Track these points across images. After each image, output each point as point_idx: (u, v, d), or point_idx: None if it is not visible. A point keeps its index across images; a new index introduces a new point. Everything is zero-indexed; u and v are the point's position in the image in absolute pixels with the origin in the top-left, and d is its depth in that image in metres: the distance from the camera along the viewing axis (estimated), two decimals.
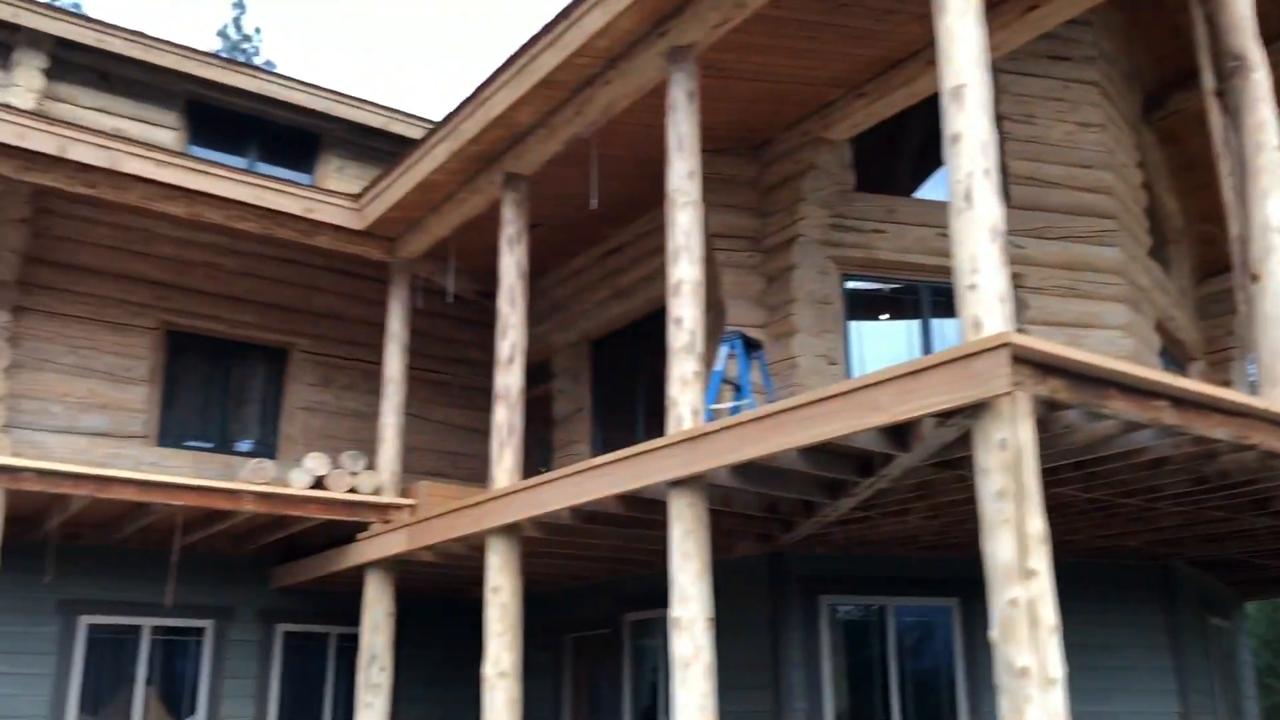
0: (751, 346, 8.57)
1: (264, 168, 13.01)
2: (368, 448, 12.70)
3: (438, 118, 13.83)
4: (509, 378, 8.65)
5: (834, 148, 9.95)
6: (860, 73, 9.13)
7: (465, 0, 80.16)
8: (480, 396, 13.77)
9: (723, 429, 6.28)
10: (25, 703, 10.26)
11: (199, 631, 11.39)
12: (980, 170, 5.19)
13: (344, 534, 10.73)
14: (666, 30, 7.36)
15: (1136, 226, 11.02)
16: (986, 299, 5.00)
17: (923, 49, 8.84)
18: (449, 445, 13.38)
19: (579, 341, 12.50)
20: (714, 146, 9.91)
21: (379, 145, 13.79)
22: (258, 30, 45.61)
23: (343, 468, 10.16)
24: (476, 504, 8.41)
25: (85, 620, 10.76)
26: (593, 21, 7.32)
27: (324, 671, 12.07)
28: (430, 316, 13.50)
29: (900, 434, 5.89)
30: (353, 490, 10.10)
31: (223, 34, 45.03)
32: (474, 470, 13.42)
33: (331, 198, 10.48)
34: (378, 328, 12.97)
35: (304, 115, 13.23)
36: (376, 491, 10.26)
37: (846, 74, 9.11)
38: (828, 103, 9.53)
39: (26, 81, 11.34)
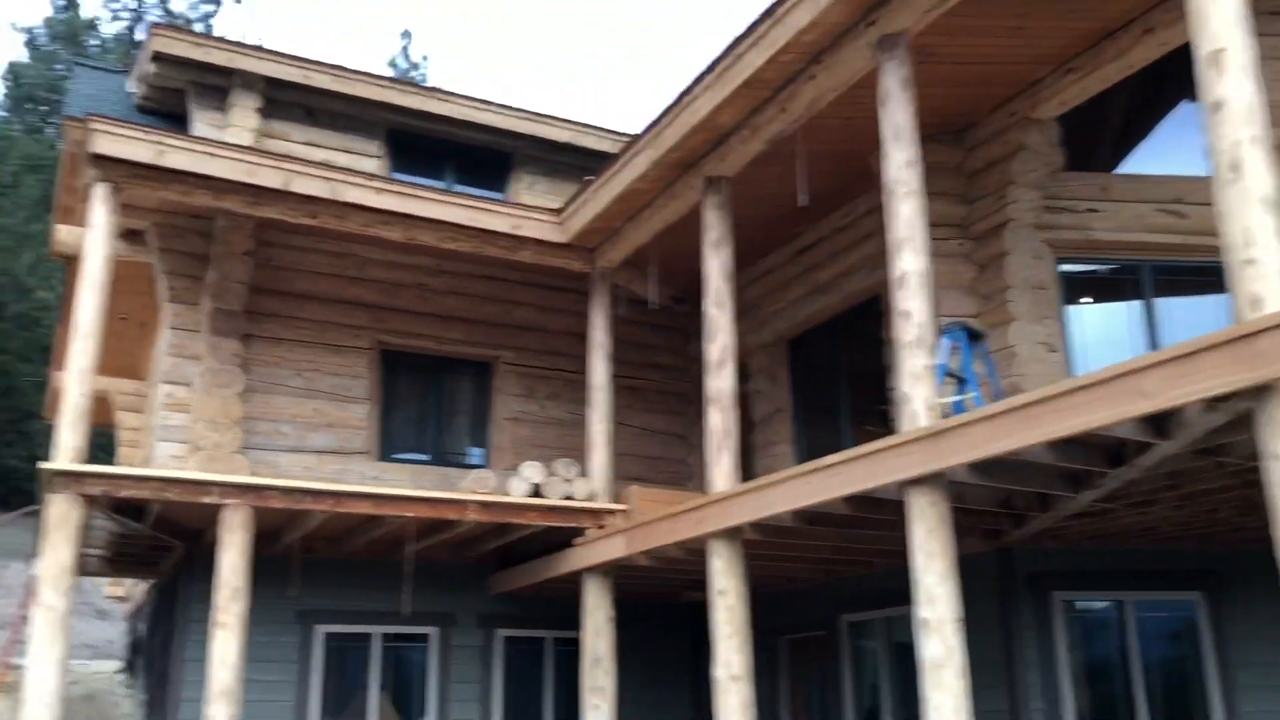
0: (974, 337, 8.32)
1: (460, 189, 13.42)
2: (573, 455, 12.94)
3: (621, 129, 14.04)
4: (720, 381, 8.66)
5: (1043, 127, 9.57)
6: (1071, 47, 8.75)
7: (612, 13, 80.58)
8: (674, 401, 13.87)
9: (966, 424, 6.10)
10: (272, 708, 10.85)
11: (424, 638, 11.82)
12: (1247, 138, 4.89)
13: (559, 540, 10.95)
14: (875, 19, 7.22)
15: None
16: (1266, 274, 4.69)
17: (1138, 17, 8.41)
18: (648, 450, 13.48)
19: (774, 341, 12.41)
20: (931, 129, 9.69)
21: (566, 160, 14.05)
22: (425, 58, 47.31)
23: (557, 475, 10.37)
24: (696, 508, 8.44)
25: (321, 630, 11.32)
26: (799, 17, 7.26)
27: (542, 674, 12.35)
28: (623, 324, 13.65)
29: (1160, 421, 5.60)
30: (568, 497, 10.30)
31: (392, 64, 46.92)
32: (673, 474, 13.51)
33: (535, 213, 10.72)
34: (576, 337, 13.25)
35: (495, 135, 13.60)
36: (590, 498, 10.43)
37: (1056, 49, 8.75)
38: (1036, 81, 9.17)
39: (243, 121, 12.02)
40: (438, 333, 12.60)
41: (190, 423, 11.12)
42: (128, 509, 9.55)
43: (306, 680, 11.09)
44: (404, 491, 9.67)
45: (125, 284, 17.27)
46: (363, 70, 12.63)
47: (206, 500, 8.93)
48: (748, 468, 12.77)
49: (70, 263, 16.73)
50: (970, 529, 8.70)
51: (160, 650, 11.96)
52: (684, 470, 13.58)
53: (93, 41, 42.52)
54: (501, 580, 11.89)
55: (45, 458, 30.96)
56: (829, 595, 11.00)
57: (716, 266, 8.87)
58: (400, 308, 12.45)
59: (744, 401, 13.01)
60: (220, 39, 11.90)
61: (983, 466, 6.40)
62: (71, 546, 8.40)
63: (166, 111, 14.05)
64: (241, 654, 8.75)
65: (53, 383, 17.60)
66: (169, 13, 43.17)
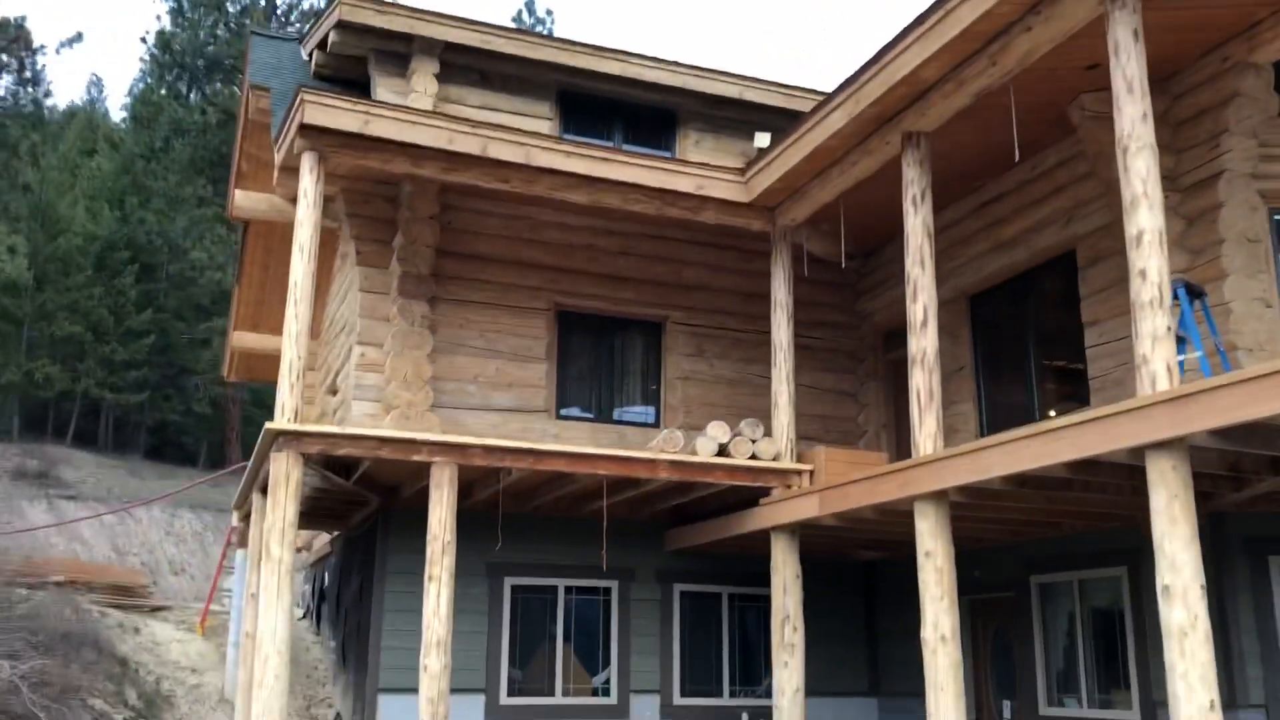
0: (1194, 294, 8.04)
1: (629, 148, 13.44)
2: (739, 412, 12.97)
3: (782, 80, 13.84)
4: (924, 340, 8.56)
5: (1259, 71, 9.11)
6: None
7: None
8: (843, 359, 13.77)
9: (1214, 389, 5.92)
10: (468, 657, 11.24)
11: (606, 591, 12.08)
12: None
13: (738, 499, 11.05)
14: None
15: None
16: None
17: None
18: (819, 409, 13.43)
19: (955, 298, 12.17)
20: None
21: (728, 115, 13.94)
22: (549, 12, 47.19)
23: (743, 435, 10.43)
24: (901, 470, 8.40)
25: (510, 582, 11.67)
26: None
27: (719, 628, 12.52)
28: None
29: None
30: (753, 457, 10.36)
31: (517, 19, 47.06)
32: (845, 433, 13.44)
33: (719, 173, 10.71)
34: (742, 296, 13.27)
35: (660, 92, 13.55)
36: (775, 458, 10.46)
37: None
38: (1255, 23, 8.72)
39: (423, 86, 12.26)
40: (609, 293, 12.74)
41: (383, 382, 11.51)
42: (337, 466, 9.95)
43: (498, 630, 11.47)
44: (599, 450, 9.87)
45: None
46: (535, 31, 12.71)
47: (416, 458, 9.26)
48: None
49: (247, 226, 17.42)
50: None
51: (355, 600, 12.50)
52: (855, 429, 13.51)
53: (231, 7, 43.69)
54: (679, 536, 12.06)
55: (202, 412, 32.44)
56: (1017, 556, 10.85)
57: (918, 223, 8.74)
58: (573, 268, 12.61)
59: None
60: (403, 6, 12.10)
61: (1227, 432, 6.20)
62: (295, 501, 8.83)
63: (344, 78, 14.37)
64: (450, 605, 9.09)
65: (231, 342, 18.37)
66: None
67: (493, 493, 10.89)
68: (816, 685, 11.74)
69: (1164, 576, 6.12)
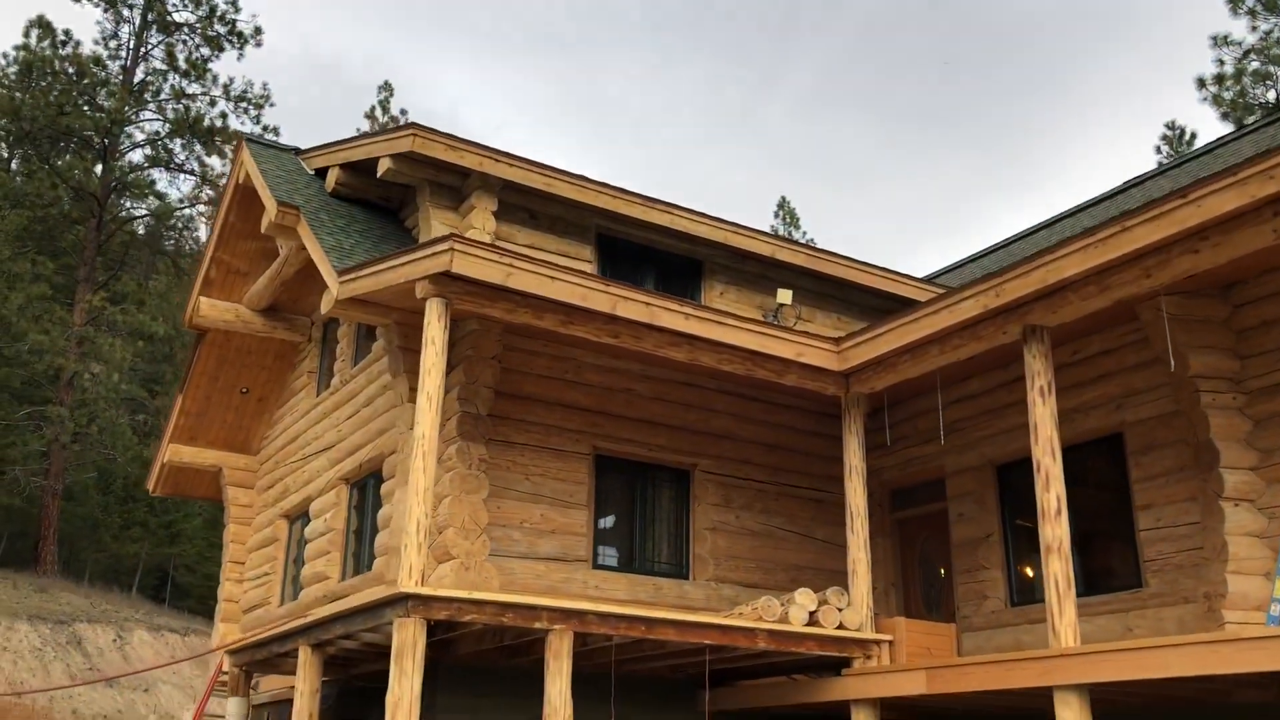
0: None
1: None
2: (764, 567, 13.04)
3: (807, 242, 14.27)
4: (1058, 529, 8.89)
5: None
6: None
7: None
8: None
9: None
10: None
11: None
12: None
13: (788, 664, 11.05)
14: None
15: None
16: None
17: None
18: (837, 564, 13.60)
19: (980, 465, 12.71)
20: (1189, 288, 10.16)
21: (752, 270, 14.28)
22: None
23: (829, 603, 10.45)
24: (1041, 659, 8.62)
25: None
26: (1218, 204, 7.64)
27: None
28: (803, 434, 13.88)
29: None
30: (840, 626, 10.38)
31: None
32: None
33: (817, 341, 10.92)
34: (766, 447, 13.47)
35: (692, 243, 13.77)
36: (858, 627, 10.52)
37: None
38: None
39: (482, 224, 12.04)
40: (644, 438, 12.65)
41: (435, 529, 10.97)
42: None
43: None
44: (703, 619, 9.67)
45: (250, 358, 17.05)
46: (579, 174, 12.74)
47: (537, 625, 8.83)
48: (948, 590, 13.03)
49: (202, 335, 16.45)
50: None
51: None
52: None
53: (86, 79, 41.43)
54: (722, 698, 11.84)
55: (12, 505, 29.83)
56: None
57: (1045, 414, 9.15)
58: (612, 413, 12.48)
59: (939, 521, 13.33)
60: (473, 143, 11.90)
61: None
62: (420, 671, 8.24)
63: (360, 199, 14.00)
64: None
65: (165, 455, 17.07)
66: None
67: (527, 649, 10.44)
68: None
69: None
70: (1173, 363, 9.45)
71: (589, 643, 9.62)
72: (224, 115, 43.05)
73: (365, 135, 12.85)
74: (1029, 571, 12.19)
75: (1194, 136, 45.14)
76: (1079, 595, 11.29)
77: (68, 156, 41.76)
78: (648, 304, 9.83)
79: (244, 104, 44.19)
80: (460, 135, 11.92)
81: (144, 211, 44.15)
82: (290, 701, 14.36)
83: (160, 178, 48.33)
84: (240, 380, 16.95)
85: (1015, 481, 12.53)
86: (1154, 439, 10.98)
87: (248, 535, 17.11)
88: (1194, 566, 10.29)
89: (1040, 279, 8.92)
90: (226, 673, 12.46)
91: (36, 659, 26.62)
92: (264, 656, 11.25)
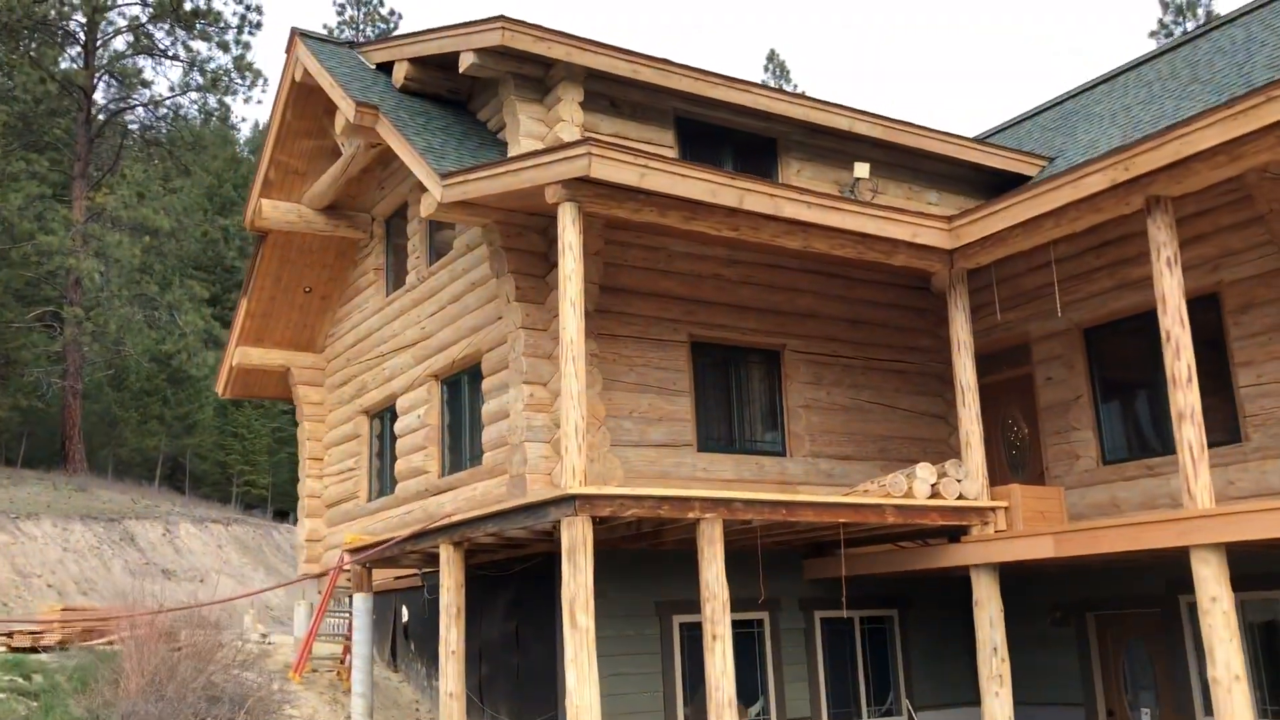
0: None
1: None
2: (858, 440, 13.38)
3: (883, 113, 14.13)
4: (1190, 396, 9.13)
5: None
6: None
7: None
8: (934, 382, 14.34)
9: None
10: (642, 699, 11.18)
11: (759, 623, 12.23)
12: None
13: (900, 532, 11.49)
14: None
15: None
16: None
17: None
18: (918, 431, 13.97)
19: (1068, 329, 12.95)
20: None
21: (825, 144, 14.18)
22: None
23: (949, 475, 10.79)
24: (1178, 520, 8.99)
25: (678, 620, 11.63)
26: None
27: (854, 653, 12.89)
28: (883, 307, 14.06)
29: None
30: (960, 496, 10.75)
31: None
32: (941, 454, 13.99)
33: (931, 221, 10.96)
34: (849, 323, 13.68)
35: (769, 120, 13.64)
36: (976, 496, 10.88)
37: None
38: None
39: (570, 116, 11.89)
40: (735, 322, 12.80)
41: (552, 422, 11.19)
42: None
43: (671, 669, 11.43)
44: (838, 499, 10.01)
45: (311, 257, 17.00)
46: (661, 58, 12.51)
47: (691, 515, 9.14)
48: (1036, 450, 13.42)
49: (265, 237, 16.36)
50: None
51: (507, 642, 12.05)
52: (949, 450, 14.10)
53: None
54: (822, 566, 12.33)
55: (32, 407, 30.14)
56: (1163, 573, 11.66)
57: (1174, 284, 9.30)
58: (704, 299, 12.60)
59: (1021, 384, 13.64)
60: (561, 33, 11.64)
61: None
62: (591, 566, 8.55)
63: (431, 94, 13.76)
64: (731, 662, 9.07)
65: (233, 358, 17.14)
66: None
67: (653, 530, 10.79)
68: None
69: None
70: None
71: (728, 526, 9.94)
72: None
73: (443, 28, 12.51)
74: (1122, 430, 12.55)
75: None
76: (1171, 453, 11.78)
77: (49, 51, 40.43)
78: (772, 195, 9.83)
79: None
80: (544, 24, 11.64)
81: (135, 102, 42.97)
82: (394, 592, 14.84)
83: (145, 65, 46.62)
84: (303, 279, 16.91)
85: (1103, 344, 12.80)
86: (1253, 298, 11.21)
87: (323, 432, 17.32)
88: None
89: (1174, 151, 8.95)
90: (346, 569, 12.83)
91: (96, 557, 27.18)
92: (393, 554, 11.58)
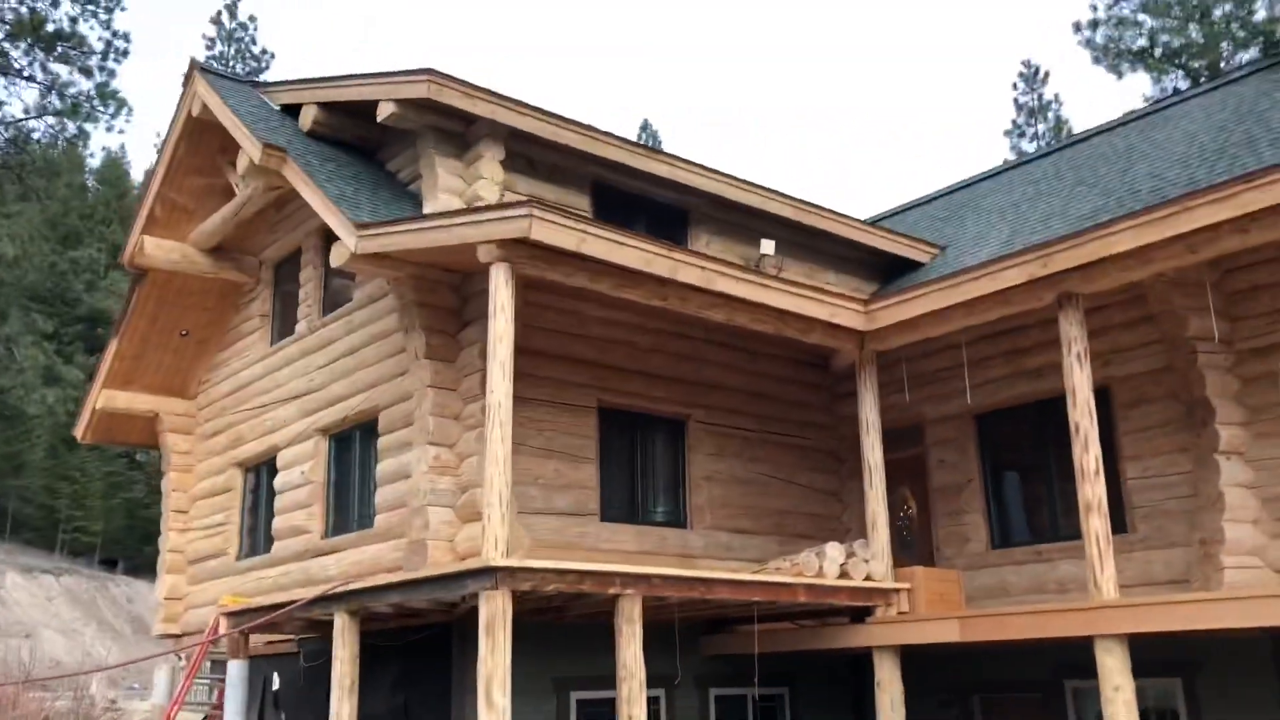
0: None
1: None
2: (753, 514, 13.36)
3: (794, 194, 14.37)
4: (1097, 488, 9.43)
5: None
6: None
7: None
8: (827, 459, 14.50)
9: None
10: None
11: (655, 700, 11.96)
12: None
13: (799, 611, 11.47)
14: None
15: None
16: None
17: None
18: (812, 508, 14.08)
19: (962, 414, 13.29)
20: None
21: (733, 219, 14.30)
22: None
23: (856, 555, 10.84)
24: (1084, 610, 9.21)
25: (575, 696, 11.29)
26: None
27: None
28: (782, 382, 14.19)
29: None
30: (868, 577, 10.80)
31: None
32: (832, 531, 14.11)
33: (847, 303, 11.11)
34: (750, 395, 13.73)
35: (682, 192, 13.68)
36: (883, 577, 10.96)
37: None
38: None
39: (491, 174, 11.69)
40: (645, 390, 12.70)
41: (457, 487, 10.83)
42: None
43: None
44: (754, 578, 9.93)
45: (191, 299, 16.23)
46: (578, 120, 12.46)
47: (611, 590, 8.89)
48: (926, 530, 13.66)
49: (142, 275, 15.56)
50: None
51: (396, 713, 11.45)
52: (840, 526, 14.23)
53: None
54: (722, 643, 12.19)
55: None
56: (1050, 658, 11.91)
57: (1083, 379, 9.64)
58: (614, 365, 12.47)
59: (916, 466, 13.92)
60: (488, 90, 11.44)
61: None
62: (509, 642, 8.20)
63: (335, 140, 13.34)
64: None
65: (97, 401, 16.10)
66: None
67: (582, 613, 10.54)
68: None
69: None
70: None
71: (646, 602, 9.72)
72: (73, 19, 39.75)
73: (364, 75, 12.18)
74: (1011, 515, 12.91)
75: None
76: (1060, 540, 12.17)
77: None
78: (704, 269, 9.82)
79: (91, 6, 40.95)
80: (472, 81, 11.45)
81: None
82: (265, 658, 14.02)
83: None
84: (181, 322, 16.09)
85: (995, 430, 13.18)
86: (1143, 394, 11.71)
87: (190, 483, 16.38)
88: (1184, 514, 11.10)
89: (1091, 252, 9.33)
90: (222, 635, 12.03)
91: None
92: (279, 620, 10.91)
